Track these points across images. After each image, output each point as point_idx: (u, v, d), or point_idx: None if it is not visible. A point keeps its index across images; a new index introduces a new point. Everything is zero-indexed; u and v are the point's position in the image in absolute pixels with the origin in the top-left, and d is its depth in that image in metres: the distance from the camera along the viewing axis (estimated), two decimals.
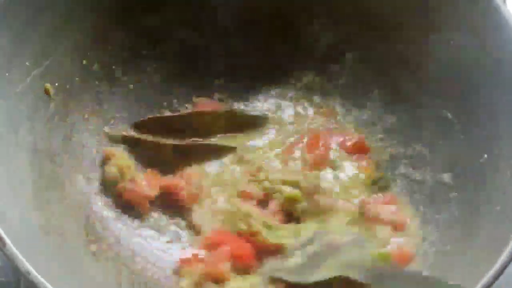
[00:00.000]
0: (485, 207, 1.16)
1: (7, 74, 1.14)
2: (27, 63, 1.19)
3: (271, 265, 1.22)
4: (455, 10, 1.27)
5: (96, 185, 1.30)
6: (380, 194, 1.35)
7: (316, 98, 1.48)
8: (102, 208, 1.28)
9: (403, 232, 1.27)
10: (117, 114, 1.38)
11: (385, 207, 1.29)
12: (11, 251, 0.96)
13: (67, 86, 1.28)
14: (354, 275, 1.09)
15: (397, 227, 1.27)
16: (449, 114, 1.31)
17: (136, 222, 1.30)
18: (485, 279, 1.01)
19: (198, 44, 1.45)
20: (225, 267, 1.20)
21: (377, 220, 1.27)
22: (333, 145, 1.41)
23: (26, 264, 0.95)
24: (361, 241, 1.20)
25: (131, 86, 1.40)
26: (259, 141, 1.42)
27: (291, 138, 1.43)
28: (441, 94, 1.32)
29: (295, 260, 1.20)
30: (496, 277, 1.02)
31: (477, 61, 1.25)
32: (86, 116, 1.33)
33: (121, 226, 1.28)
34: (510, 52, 1.19)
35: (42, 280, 0.94)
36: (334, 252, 1.17)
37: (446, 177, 1.29)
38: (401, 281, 1.07)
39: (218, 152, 1.39)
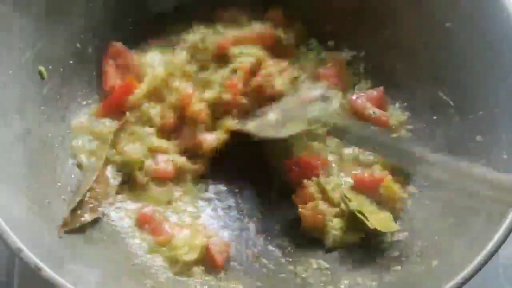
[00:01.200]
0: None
1: None
2: (19, 46, 1.18)
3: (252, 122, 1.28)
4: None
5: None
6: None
7: None
8: None
9: None
10: None
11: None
12: (3, 229, 0.96)
13: (61, 70, 1.28)
14: (317, 128, 1.22)
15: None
16: (444, 96, 1.31)
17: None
18: (478, 259, 1.02)
19: None
20: None
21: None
22: None
23: (18, 243, 0.95)
24: (329, 95, 1.27)
25: None
26: None
27: None
28: (436, 77, 1.32)
29: (271, 117, 1.27)
30: (490, 256, 1.02)
31: (472, 44, 1.25)
32: (79, 100, 1.32)
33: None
34: (505, 35, 1.19)
35: (32, 256, 0.94)
36: (303, 108, 1.25)
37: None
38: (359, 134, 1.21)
39: None
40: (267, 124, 1.26)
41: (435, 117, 1.33)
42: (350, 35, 1.44)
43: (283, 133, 1.24)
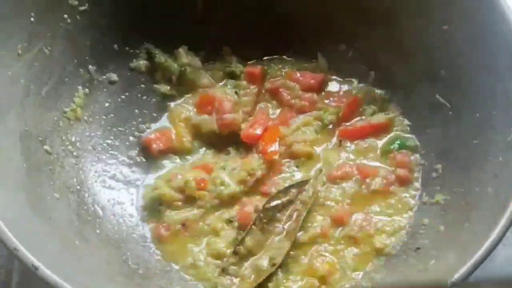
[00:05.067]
0: (477, 190, 1.16)
1: None
2: (18, 46, 1.19)
3: None
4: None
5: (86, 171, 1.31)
6: None
7: None
8: (95, 192, 1.29)
9: None
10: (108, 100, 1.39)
11: None
12: (1, 229, 0.96)
13: (59, 71, 1.28)
14: None
15: None
16: (441, 99, 1.31)
17: None
18: (473, 259, 1.01)
19: None
20: None
21: None
22: None
23: (14, 241, 0.95)
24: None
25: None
26: None
27: None
28: (433, 78, 1.33)
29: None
30: (485, 257, 1.02)
31: (469, 46, 1.25)
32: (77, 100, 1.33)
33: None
34: (502, 38, 1.19)
35: (29, 256, 0.94)
36: None
37: (439, 161, 1.31)
38: None
39: None
40: None
41: (432, 118, 1.34)
42: (347, 35, 1.45)
43: None
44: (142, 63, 1.44)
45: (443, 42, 1.30)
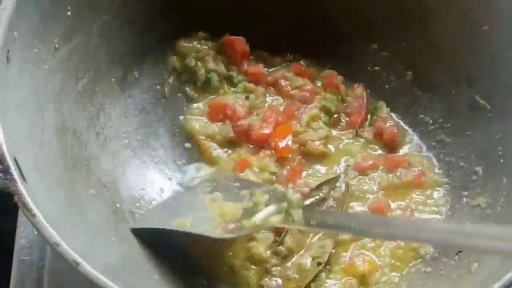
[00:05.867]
0: None
1: (35, 51, 1.12)
2: (55, 41, 1.17)
3: None
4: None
5: (121, 167, 1.29)
6: None
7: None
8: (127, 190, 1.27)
9: None
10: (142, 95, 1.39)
11: None
12: (41, 223, 0.94)
13: (95, 66, 1.27)
14: None
15: None
16: (481, 101, 1.29)
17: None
18: None
19: None
20: None
21: None
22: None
23: (55, 236, 0.93)
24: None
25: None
26: None
27: None
28: (473, 79, 1.31)
29: None
30: None
31: (510, 48, 1.23)
32: (112, 97, 1.32)
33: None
34: None
35: (71, 251, 0.92)
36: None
37: (479, 163, 1.28)
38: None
39: None
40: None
41: (472, 120, 1.32)
42: (384, 34, 1.44)
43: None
44: (175, 61, 1.43)
45: (483, 42, 1.28)
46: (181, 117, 1.43)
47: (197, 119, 1.43)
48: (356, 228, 1.09)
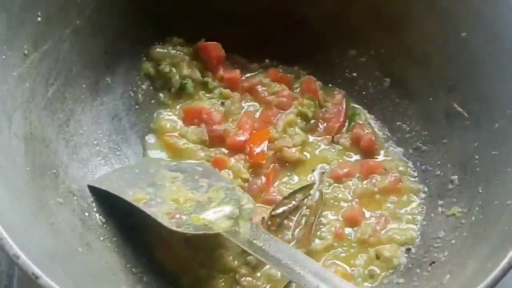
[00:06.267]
0: (496, 203, 1.12)
1: (3, 57, 1.10)
2: (24, 47, 1.15)
3: None
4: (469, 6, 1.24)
5: (92, 175, 1.27)
6: None
7: None
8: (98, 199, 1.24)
9: None
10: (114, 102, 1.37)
11: None
12: (1, 235, 0.92)
13: (66, 72, 1.25)
14: None
15: None
16: (458, 108, 1.27)
17: None
18: (492, 276, 0.96)
19: None
20: None
21: None
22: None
23: (14, 248, 0.91)
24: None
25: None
26: None
27: None
28: (450, 86, 1.30)
29: None
30: (503, 274, 0.96)
31: (489, 54, 1.21)
32: (83, 104, 1.30)
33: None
34: None
35: (30, 264, 0.90)
36: None
37: (455, 172, 1.27)
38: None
39: None
40: None
41: (449, 128, 1.30)
42: (362, 40, 1.43)
43: None
44: (149, 67, 1.42)
45: (461, 49, 1.26)
46: (154, 115, 1.42)
47: (169, 119, 1.41)
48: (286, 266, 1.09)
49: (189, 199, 1.21)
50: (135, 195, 1.21)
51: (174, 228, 1.15)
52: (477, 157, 1.22)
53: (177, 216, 1.17)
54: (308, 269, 1.08)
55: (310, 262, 1.11)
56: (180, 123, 1.41)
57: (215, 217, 1.17)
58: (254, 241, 1.13)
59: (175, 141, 1.38)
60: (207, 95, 1.44)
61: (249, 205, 1.20)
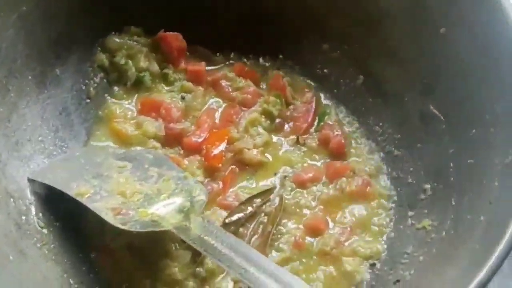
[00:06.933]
0: (468, 217, 1.03)
1: None
2: None
3: None
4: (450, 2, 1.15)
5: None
6: None
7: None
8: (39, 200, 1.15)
9: None
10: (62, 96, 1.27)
11: None
12: None
13: (9, 63, 1.15)
14: None
15: None
16: (435, 110, 1.19)
17: None
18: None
19: None
20: None
21: None
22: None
23: None
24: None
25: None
26: None
27: None
28: (427, 86, 1.21)
29: None
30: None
31: (469, 53, 1.12)
32: (28, 97, 1.20)
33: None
34: (505, 44, 1.06)
35: None
36: None
37: (429, 180, 1.19)
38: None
39: None
40: None
41: (424, 132, 1.22)
42: (336, 34, 1.34)
43: None
44: (103, 58, 1.33)
45: (440, 47, 1.18)
46: (109, 100, 1.33)
47: (121, 105, 1.32)
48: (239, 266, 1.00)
49: (137, 191, 1.13)
50: (78, 188, 1.12)
51: (119, 226, 1.06)
52: (452, 165, 1.14)
53: (123, 211, 1.09)
54: (263, 269, 1.00)
55: (265, 261, 1.02)
56: (134, 112, 1.32)
57: (164, 211, 1.09)
58: (206, 238, 1.05)
59: (124, 127, 1.28)
60: (166, 88, 1.35)
61: (201, 197, 1.12)
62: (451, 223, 1.07)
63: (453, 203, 1.09)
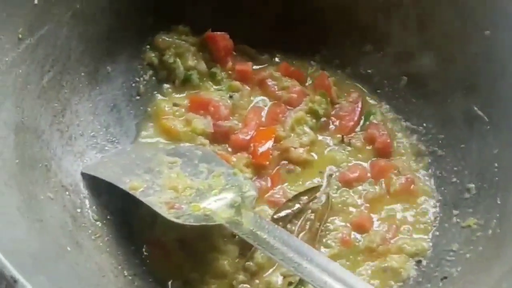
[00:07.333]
0: None
1: None
2: (19, 30, 1.08)
3: None
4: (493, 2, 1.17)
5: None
6: None
7: None
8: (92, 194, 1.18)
9: None
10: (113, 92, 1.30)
11: None
12: None
13: (64, 59, 1.18)
14: None
15: None
16: (478, 111, 1.20)
17: None
18: None
19: None
20: None
21: None
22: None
23: None
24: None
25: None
26: None
27: None
28: (471, 87, 1.23)
29: None
30: None
31: None
32: (81, 93, 1.23)
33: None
34: None
35: (9, 267, 0.83)
36: None
37: (473, 180, 1.20)
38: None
39: None
40: None
41: (468, 132, 1.23)
42: (379, 34, 1.36)
43: None
44: (153, 56, 1.36)
45: (484, 48, 1.19)
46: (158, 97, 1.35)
47: (169, 101, 1.35)
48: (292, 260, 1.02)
49: (188, 186, 1.15)
50: (131, 183, 1.15)
51: (173, 219, 1.09)
52: (496, 165, 1.15)
53: (176, 205, 1.12)
54: (315, 263, 1.01)
55: (317, 256, 1.03)
56: (182, 110, 1.34)
57: (216, 206, 1.12)
58: (258, 232, 1.07)
59: (173, 124, 1.31)
60: (214, 86, 1.37)
61: (251, 192, 1.15)
62: (496, 222, 1.09)
63: (499, 202, 1.11)
